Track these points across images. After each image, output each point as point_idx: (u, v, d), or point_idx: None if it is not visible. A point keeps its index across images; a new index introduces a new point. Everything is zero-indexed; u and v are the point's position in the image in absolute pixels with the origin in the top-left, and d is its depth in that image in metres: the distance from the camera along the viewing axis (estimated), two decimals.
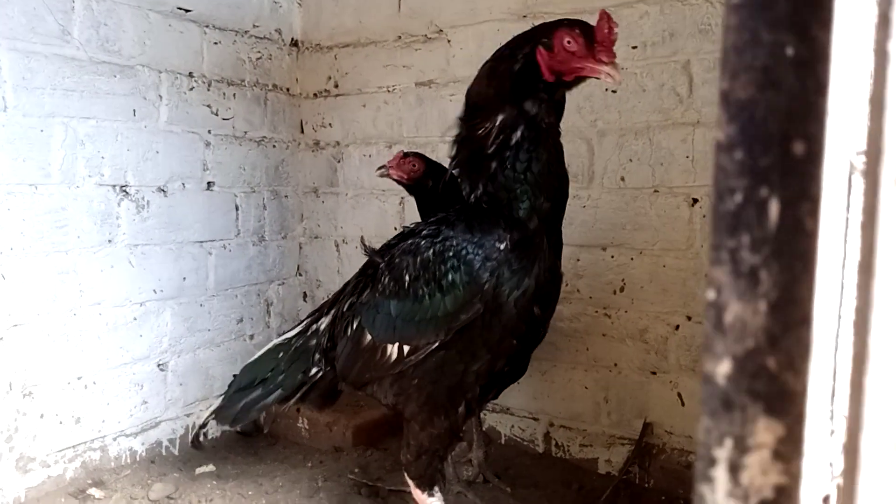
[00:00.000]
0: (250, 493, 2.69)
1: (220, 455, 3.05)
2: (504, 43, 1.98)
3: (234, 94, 3.33)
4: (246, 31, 3.38)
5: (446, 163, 2.67)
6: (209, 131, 3.21)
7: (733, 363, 0.40)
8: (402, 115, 3.37)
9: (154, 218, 2.98)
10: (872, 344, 0.37)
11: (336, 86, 3.59)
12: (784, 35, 0.40)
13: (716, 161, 0.40)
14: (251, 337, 3.41)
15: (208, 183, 3.21)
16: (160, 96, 3.00)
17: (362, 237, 2.32)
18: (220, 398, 2.43)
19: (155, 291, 2.99)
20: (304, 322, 2.41)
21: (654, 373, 2.76)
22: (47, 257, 2.62)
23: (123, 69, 2.85)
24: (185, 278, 3.11)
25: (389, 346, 2.05)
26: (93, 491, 2.67)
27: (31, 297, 2.58)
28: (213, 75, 3.22)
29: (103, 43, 2.78)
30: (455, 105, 3.15)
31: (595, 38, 1.80)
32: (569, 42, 1.81)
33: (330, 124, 3.62)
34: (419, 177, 2.58)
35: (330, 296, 2.46)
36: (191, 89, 3.12)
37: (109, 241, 2.82)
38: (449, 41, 3.18)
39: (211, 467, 2.91)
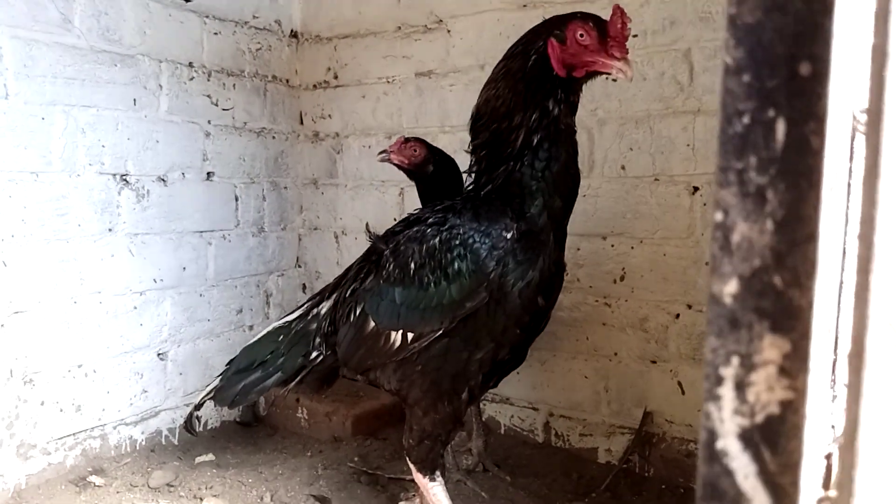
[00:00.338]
0: (250, 480, 2.70)
1: (219, 445, 3.06)
2: (516, 40, 1.97)
3: (234, 85, 3.34)
4: (245, 22, 3.38)
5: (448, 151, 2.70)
6: (209, 121, 3.21)
7: (740, 282, 0.41)
8: (401, 105, 3.37)
9: (154, 207, 2.98)
10: (877, 258, 0.37)
11: (335, 77, 3.59)
12: None
13: (723, 85, 0.41)
14: (250, 328, 3.41)
15: (208, 173, 3.21)
16: (160, 86, 3.00)
17: (367, 223, 2.33)
18: (218, 379, 2.41)
19: (155, 281, 3.00)
20: (305, 305, 2.40)
21: (654, 362, 2.77)
22: (48, 245, 2.62)
23: (124, 58, 2.86)
24: (184, 268, 3.12)
25: (393, 334, 2.05)
26: (93, 478, 2.67)
27: (32, 285, 2.59)
28: (212, 66, 3.22)
29: (104, 32, 2.78)
30: (454, 95, 3.17)
31: (608, 33, 1.80)
32: (581, 35, 1.81)
33: (329, 115, 3.63)
34: (420, 162, 2.58)
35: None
36: (191, 79, 3.13)
37: (110, 230, 2.82)
38: (449, 31, 3.19)
39: (210, 456, 2.91)
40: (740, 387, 0.41)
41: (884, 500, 0.40)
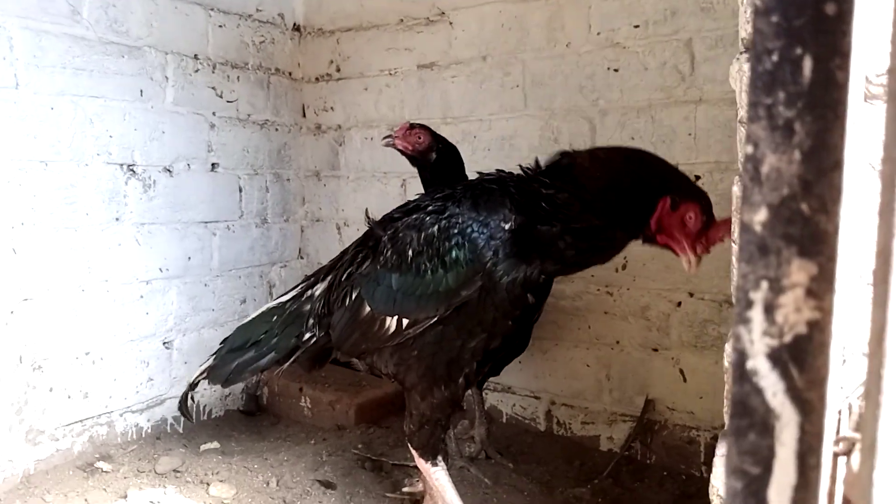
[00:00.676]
0: (256, 466, 2.73)
1: (223, 433, 3.09)
2: (635, 151, 1.97)
3: (238, 77, 3.36)
4: (249, 15, 3.41)
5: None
6: (214, 113, 3.24)
7: (769, 211, 0.44)
8: (403, 97, 3.40)
9: (160, 197, 3.01)
10: None
11: (338, 70, 3.62)
12: None
13: (753, 25, 0.44)
14: None
15: (213, 164, 3.24)
16: (166, 77, 3.03)
17: (367, 209, 2.34)
18: (212, 358, 2.42)
19: (161, 270, 3.02)
20: (299, 286, 2.42)
21: (655, 350, 2.80)
22: (57, 233, 2.65)
23: (131, 50, 2.88)
24: (190, 258, 3.15)
25: (388, 319, 2.08)
26: (101, 464, 2.70)
27: (40, 272, 2.61)
28: (217, 58, 3.25)
29: (112, 23, 2.81)
30: (456, 87, 3.20)
31: (707, 231, 1.82)
32: (690, 217, 1.81)
33: (332, 108, 3.66)
34: (424, 149, 2.61)
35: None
36: (196, 71, 3.16)
37: (117, 220, 2.85)
38: (451, 23, 3.22)
39: (215, 444, 2.94)
40: (769, 309, 0.44)
41: None
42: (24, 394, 2.58)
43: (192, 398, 2.51)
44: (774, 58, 0.44)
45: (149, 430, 3.00)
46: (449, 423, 2.25)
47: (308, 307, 2.32)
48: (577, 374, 2.99)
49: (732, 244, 1.32)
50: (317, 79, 3.70)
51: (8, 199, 2.51)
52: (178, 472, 2.68)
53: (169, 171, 3.04)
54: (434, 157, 2.61)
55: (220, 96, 3.27)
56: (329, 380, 3.32)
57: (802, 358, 0.44)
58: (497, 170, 2.14)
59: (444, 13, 3.23)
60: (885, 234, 0.40)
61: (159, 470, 2.67)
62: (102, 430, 2.84)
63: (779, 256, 0.44)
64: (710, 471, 1.62)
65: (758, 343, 0.45)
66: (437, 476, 2.16)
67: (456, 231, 1.96)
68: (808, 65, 0.43)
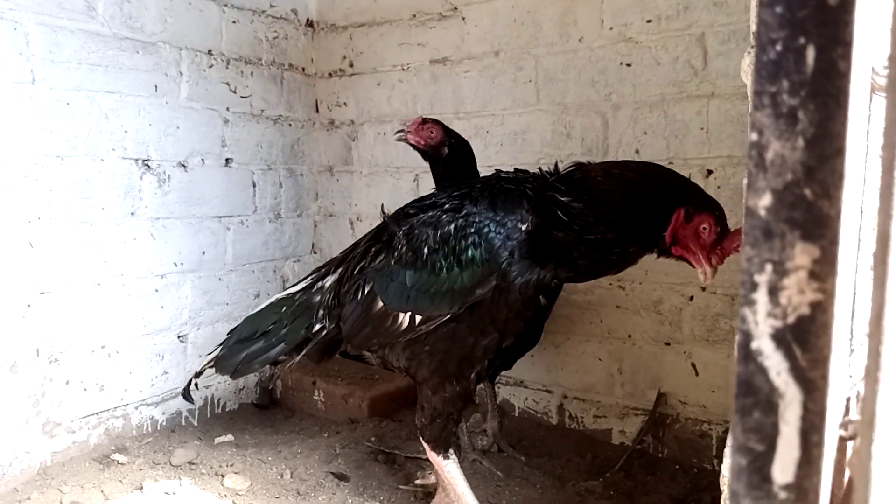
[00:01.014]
0: (270, 458, 2.75)
1: (237, 426, 3.11)
2: (648, 166, 1.98)
3: (252, 73, 3.39)
4: (263, 11, 3.43)
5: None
6: (227, 108, 3.27)
7: (773, 196, 0.45)
8: (416, 92, 3.42)
9: (175, 192, 3.04)
10: None
11: (351, 65, 3.64)
12: None
13: (758, 16, 0.45)
14: None
15: (227, 159, 3.26)
16: (181, 73, 3.05)
17: (382, 205, 2.35)
18: (220, 348, 2.42)
19: (175, 264, 3.05)
20: (310, 278, 2.42)
21: (668, 343, 2.80)
22: (73, 227, 2.68)
23: (146, 45, 2.91)
24: (204, 252, 3.17)
25: (401, 315, 2.09)
26: (116, 456, 2.73)
27: (57, 266, 2.64)
28: (231, 54, 3.27)
29: (126, 19, 2.83)
30: (469, 82, 3.21)
31: (722, 242, 1.83)
32: (705, 228, 1.83)
33: (345, 103, 3.67)
34: (436, 144, 2.62)
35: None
36: (210, 67, 3.18)
37: (132, 214, 2.88)
38: (463, 18, 3.23)
39: (230, 437, 2.96)
40: (773, 291, 0.45)
41: None
42: (41, 386, 2.61)
43: (197, 385, 2.51)
44: (778, 48, 0.45)
45: (164, 423, 3.03)
46: (461, 417, 2.26)
47: (318, 298, 2.32)
48: (590, 368, 3.00)
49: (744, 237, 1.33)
50: (330, 74, 3.72)
51: (25, 193, 2.54)
52: (193, 464, 2.70)
53: (183, 166, 3.07)
54: (446, 151, 2.62)
55: (234, 92, 3.30)
56: (342, 373, 3.34)
57: (805, 338, 0.45)
58: (515, 168, 2.16)
59: (456, 8, 3.24)
60: (885, 217, 0.42)
61: (175, 462, 2.70)
62: (118, 423, 2.87)
63: (783, 240, 0.45)
64: (721, 463, 1.64)
65: (762, 324, 0.46)
66: (448, 469, 2.18)
67: (473, 230, 1.96)
68: (811, 54, 0.44)
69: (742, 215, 1.35)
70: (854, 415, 0.76)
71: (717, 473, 1.95)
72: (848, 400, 0.80)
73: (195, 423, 3.12)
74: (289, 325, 2.32)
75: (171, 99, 3.02)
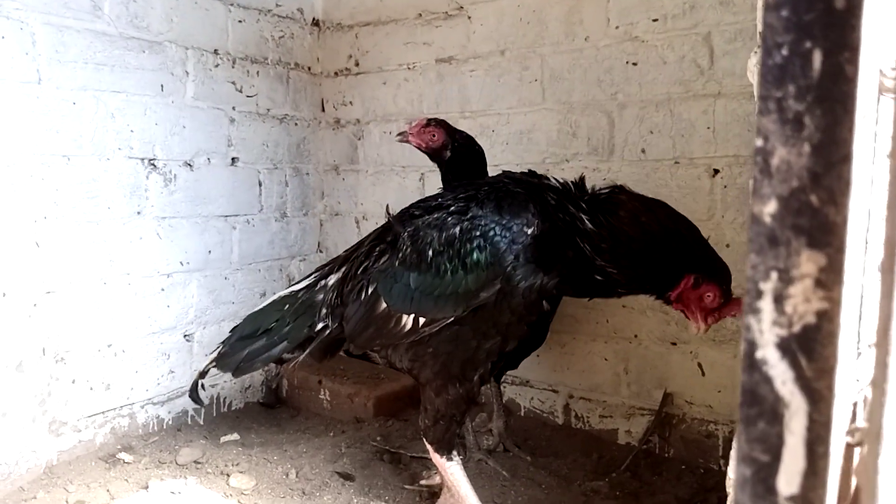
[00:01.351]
0: (275, 458, 2.75)
1: (243, 425, 3.11)
2: (673, 223, 1.98)
3: (258, 72, 3.38)
4: (269, 10, 3.43)
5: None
6: (234, 108, 3.27)
7: (779, 202, 0.44)
8: (422, 91, 3.41)
9: (181, 191, 3.04)
10: None
11: (357, 64, 3.63)
12: None
13: (764, 20, 0.44)
14: None
15: (233, 158, 3.26)
16: (187, 72, 3.05)
17: (387, 205, 2.35)
18: (222, 345, 2.41)
19: (181, 263, 3.05)
20: (313, 276, 2.41)
21: (674, 343, 2.79)
22: (79, 227, 2.68)
23: (152, 45, 2.91)
24: (210, 251, 3.17)
25: (404, 317, 2.08)
26: (122, 455, 2.73)
27: (63, 266, 2.64)
28: (237, 53, 3.27)
29: (132, 19, 2.83)
30: (475, 81, 3.21)
31: (721, 308, 1.91)
32: (709, 296, 1.90)
33: (350, 102, 3.67)
34: (437, 147, 2.61)
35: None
36: (216, 66, 3.18)
37: (138, 213, 2.88)
38: (469, 17, 3.22)
39: (235, 436, 2.97)
40: (779, 299, 0.45)
41: None
42: (47, 385, 2.61)
43: (203, 386, 2.51)
44: (784, 52, 0.44)
45: (170, 422, 3.03)
46: (464, 418, 2.26)
47: (321, 297, 2.30)
48: (596, 368, 2.99)
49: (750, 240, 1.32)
50: (336, 73, 3.71)
51: (31, 193, 2.54)
52: (199, 463, 2.71)
53: (189, 165, 3.07)
54: (448, 155, 2.61)
55: (240, 91, 3.30)
56: (347, 373, 3.34)
57: (811, 347, 0.45)
58: (529, 170, 2.16)
59: (462, 7, 3.24)
60: (892, 225, 0.41)
61: (180, 461, 2.70)
62: (124, 422, 2.87)
63: (788, 247, 0.44)
64: (728, 464, 1.63)
65: (767, 333, 0.45)
66: (451, 471, 2.17)
67: (478, 233, 1.96)
68: (817, 58, 0.44)
69: (748, 217, 1.34)
70: (861, 421, 0.75)
71: (724, 474, 1.94)
72: (855, 405, 0.79)
73: (201, 422, 3.12)
74: (291, 323, 2.31)
75: (178, 98, 3.02)
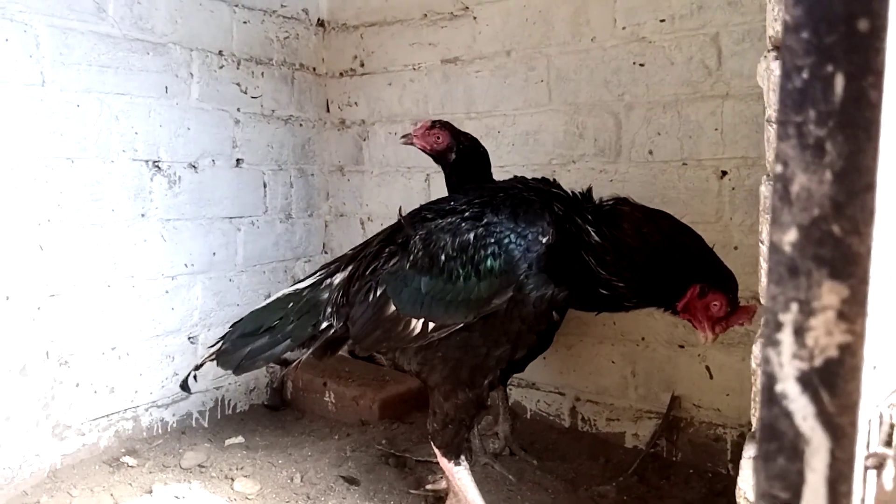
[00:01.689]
0: (280, 461, 2.74)
1: (248, 427, 3.10)
2: (676, 233, 1.99)
3: (263, 73, 3.37)
4: (274, 11, 3.42)
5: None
6: (238, 109, 3.25)
7: (799, 231, 0.43)
8: (427, 92, 3.39)
9: (185, 193, 3.03)
10: None
11: (362, 65, 3.62)
12: None
13: (783, 42, 0.43)
14: None
15: (237, 160, 3.25)
16: (191, 74, 3.04)
17: (400, 207, 2.33)
18: (221, 341, 2.39)
19: (186, 266, 3.04)
20: (318, 274, 2.38)
21: (682, 346, 2.77)
22: (83, 229, 2.67)
23: (156, 46, 2.90)
24: (214, 253, 3.16)
25: (414, 321, 2.06)
26: (126, 459, 2.72)
27: (67, 268, 2.64)
28: (242, 54, 3.26)
29: (137, 20, 2.82)
30: (480, 82, 3.19)
31: (728, 317, 1.89)
32: (716, 305, 1.88)
33: (356, 103, 3.65)
34: (442, 150, 2.59)
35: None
36: (221, 67, 3.17)
37: (142, 216, 2.87)
38: (475, 18, 3.20)
39: (240, 439, 2.95)
40: (799, 332, 0.43)
41: None
42: (51, 389, 2.61)
43: (196, 378, 2.48)
44: (805, 75, 0.43)
45: (174, 425, 3.02)
46: (473, 423, 2.24)
47: (326, 296, 2.28)
48: (602, 371, 2.97)
49: (760, 245, 1.30)
50: (341, 74, 3.70)
51: (34, 195, 2.53)
52: (203, 467, 2.70)
53: (194, 167, 3.06)
54: (453, 157, 2.59)
55: (245, 92, 3.28)
56: (353, 375, 3.32)
57: (833, 382, 0.43)
58: (543, 177, 2.15)
59: (467, 8, 3.22)
60: None
61: (184, 465, 2.69)
62: (128, 425, 2.86)
63: (809, 278, 0.43)
64: (736, 469, 1.61)
65: (787, 366, 0.44)
66: (459, 476, 2.16)
67: (493, 240, 1.94)
68: (839, 83, 0.42)
69: (758, 218, 1.31)
70: (875, 443, 0.73)
71: (732, 478, 1.92)
72: (869, 422, 0.77)
73: (205, 425, 3.11)
74: (295, 321, 2.28)
75: (182, 100, 3.00)
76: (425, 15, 3.36)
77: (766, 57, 1.29)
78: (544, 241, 1.91)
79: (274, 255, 3.46)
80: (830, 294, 0.42)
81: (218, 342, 2.41)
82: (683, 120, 2.68)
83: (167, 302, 2.98)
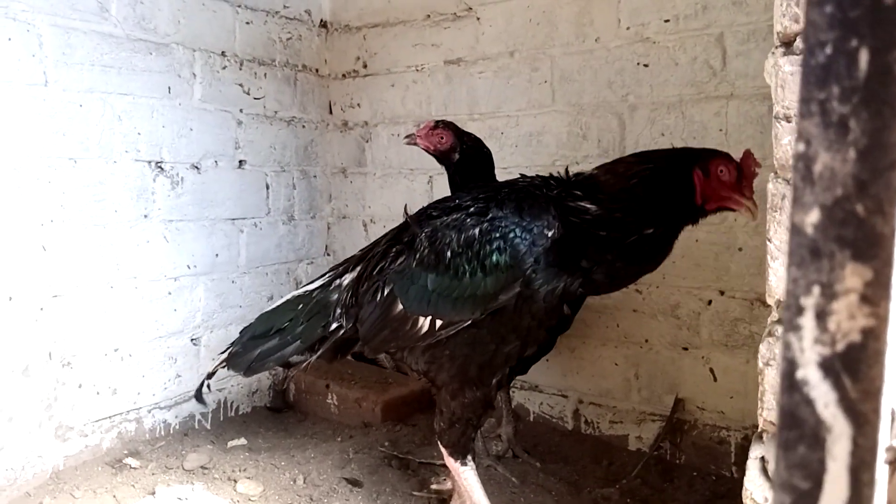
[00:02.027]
0: (283, 463, 2.73)
1: (250, 429, 3.09)
2: (650, 152, 2.00)
3: (265, 74, 3.37)
4: (277, 12, 3.41)
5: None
6: (241, 110, 3.25)
7: (822, 212, 0.42)
8: (430, 93, 3.39)
9: (188, 194, 3.02)
10: None
11: (364, 66, 3.61)
12: None
13: (806, 17, 0.42)
14: None
15: (240, 161, 3.25)
16: (194, 74, 3.04)
17: (406, 206, 2.32)
18: (232, 345, 2.38)
19: (189, 267, 3.03)
20: (327, 275, 2.38)
21: (685, 348, 2.76)
22: (86, 230, 2.67)
23: (159, 47, 2.89)
24: (217, 255, 3.15)
25: (421, 319, 2.05)
26: (129, 460, 2.71)
27: (70, 269, 2.63)
28: (244, 55, 3.25)
29: (139, 20, 2.82)
30: (483, 82, 3.18)
31: (741, 175, 1.84)
32: (722, 171, 1.84)
33: (358, 104, 3.65)
34: (445, 150, 2.59)
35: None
36: (223, 68, 3.16)
37: (145, 217, 2.86)
38: (478, 18, 3.20)
39: (243, 441, 2.94)
40: (821, 316, 0.42)
41: None
42: (54, 390, 2.60)
43: (209, 387, 2.48)
44: (828, 50, 0.41)
45: (177, 427, 3.01)
46: (480, 423, 2.22)
47: (335, 297, 2.27)
48: (606, 373, 2.96)
49: (768, 243, 1.29)
50: (343, 75, 3.69)
51: (37, 196, 2.53)
52: (206, 468, 2.68)
53: (197, 168, 3.05)
54: (457, 157, 2.58)
55: (248, 93, 3.28)
56: (355, 377, 3.31)
57: (856, 367, 0.42)
58: (549, 174, 2.13)
59: (471, 8, 3.21)
60: None
61: (187, 466, 2.68)
62: (131, 427, 2.85)
63: (832, 260, 0.41)
64: (741, 471, 1.60)
65: (808, 351, 0.43)
66: (465, 476, 2.14)
67: (498, 235, 1.92)
68: (864, 58, 0.41)
69: (763, 219, 1.30)
70: (892, 439, 0.72)
71: (736, 481, 1.91)
72: (893, 413, 0.76)
73: (208, 427, 3.10)
74: (305, 322, 2.27)
75: (185, 100, 3.00)
76: (428, 16, 3.36)
77: (773, 53, 1.28)
78: (550, 234, 1.89)
79: (276, 257, 3.45)
80: (853, 276, 0.41)
81: (228, 347, 2.40)
82: (688, 121, 2.67)
83: (170, 303, 2.97)
